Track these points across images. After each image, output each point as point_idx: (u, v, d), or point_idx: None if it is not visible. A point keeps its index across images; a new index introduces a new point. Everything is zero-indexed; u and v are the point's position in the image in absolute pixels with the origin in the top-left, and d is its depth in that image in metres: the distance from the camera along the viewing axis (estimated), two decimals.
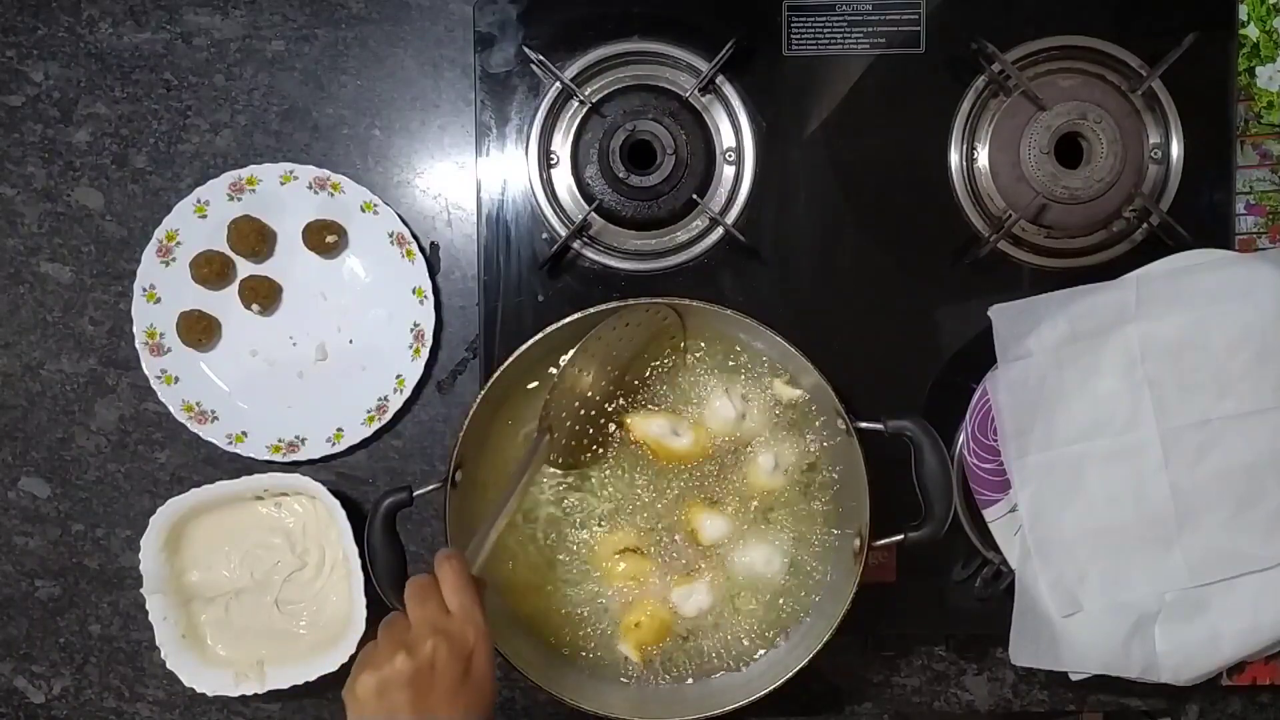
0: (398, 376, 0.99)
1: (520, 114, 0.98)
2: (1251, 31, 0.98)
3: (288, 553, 1.00)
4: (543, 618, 0.91)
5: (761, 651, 0.91)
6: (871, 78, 0.97)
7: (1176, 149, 0.96)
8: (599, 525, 0.91)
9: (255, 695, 0.98)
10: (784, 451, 0.90)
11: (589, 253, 0.97)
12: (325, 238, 0.98)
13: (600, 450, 0.91)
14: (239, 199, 0.99)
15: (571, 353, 0.86)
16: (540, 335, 0.86)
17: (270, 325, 1.01)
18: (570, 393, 0.87)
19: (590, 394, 0.89)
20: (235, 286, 1.00)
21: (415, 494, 0.85)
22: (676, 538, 0.90)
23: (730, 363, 0.91)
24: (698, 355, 0.91)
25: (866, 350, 0.97)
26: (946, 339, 0.97)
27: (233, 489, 0.98)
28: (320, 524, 1.00)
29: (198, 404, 1.00)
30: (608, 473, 0.91)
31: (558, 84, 0.95)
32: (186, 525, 0.99)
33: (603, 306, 0.86)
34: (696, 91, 0.95)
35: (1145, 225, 0.96)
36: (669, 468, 0.90)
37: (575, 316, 0.86)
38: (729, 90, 0.96)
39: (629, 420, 0.90)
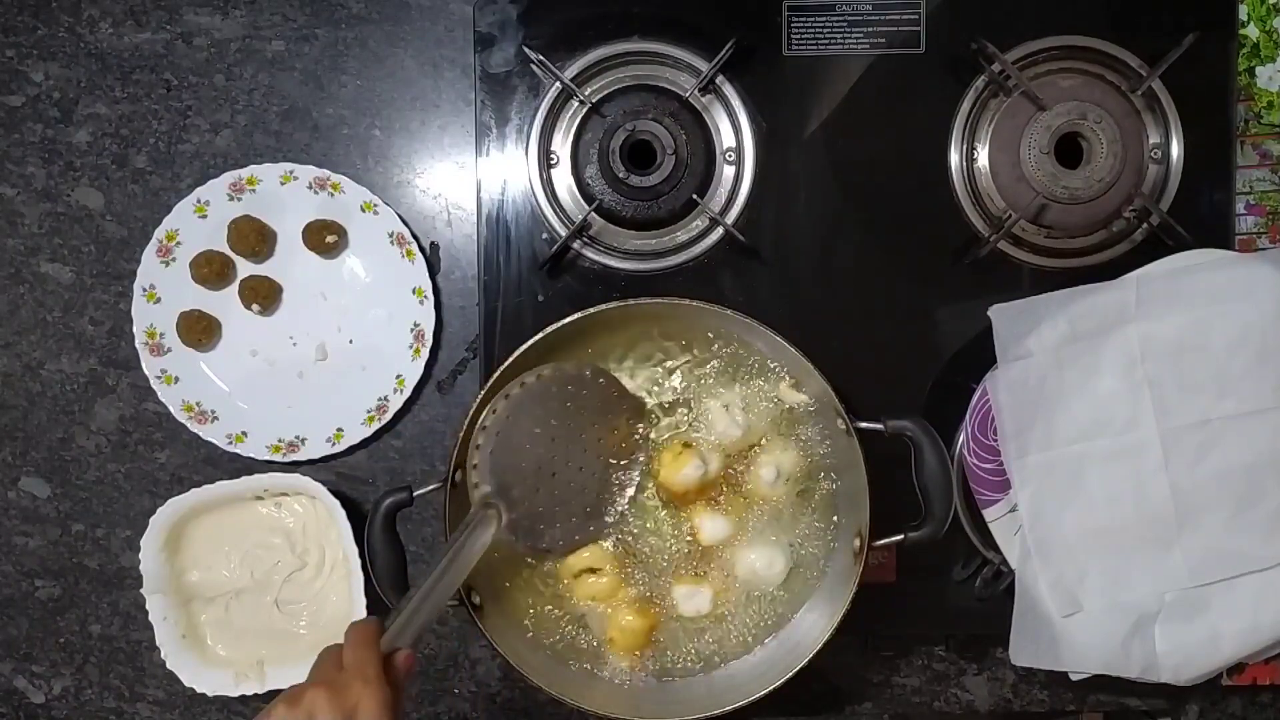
0: (398, 376, 0.99)
1: (520, 114, 0.98)
2: (1251, 31, 0.98)
3: (288, 553, 1.00)
4: (539, 627, 0.91)
5: (761, 651, 0.91)
6: (871, 78, 0.97)
7: (1176, 149, 0.96)
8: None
9: (255, 695, 0.98)
10: (784, 451, 0.90)
11: (589, 253, 0.97)
12: (325, 238, 0.98)
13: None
14: (239, 199, 0.99)
15: (488, 409, 0.83)
16: (540, 335, 0.85)
17: (270, 325, 1.01)
18: (517, 468, 0.84)
19: (543, 467, 0.85)
20: (235, 286, 1.00)
21: (415, 494, 0.85)
22: (668, 536, 0.90)
23: (729, 366, 0.91)
24: (695, 360, 0.91)
25: (866, 350, 0.97)
26: (946, 339, 0.97)
27: (233, 489, 0.98)
28: (320, 524, 1.00)
29: (198, 404, 1.00)
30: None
31: (558, 84, 0.95)
32: (186, 525, 0.99)
33: (603, 306, 0.86)
34: (696, 91, 0.95)
35: (1145, 225, 0.96)
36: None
37: (575, 316, 0.86)
38: (729, 90, 0.96)
39: (661, 479, 0.89)
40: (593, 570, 0.89)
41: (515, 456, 0.85)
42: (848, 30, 0.97)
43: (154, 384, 0.99)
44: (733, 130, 0.97)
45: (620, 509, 0.89)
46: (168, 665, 0.98)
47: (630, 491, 0.89)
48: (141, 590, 0.98)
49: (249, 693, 0.98)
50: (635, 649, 0.90)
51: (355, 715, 0.67)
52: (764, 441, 0.90)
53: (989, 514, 0.94)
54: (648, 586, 0.90)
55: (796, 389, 0.89)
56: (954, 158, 0.97)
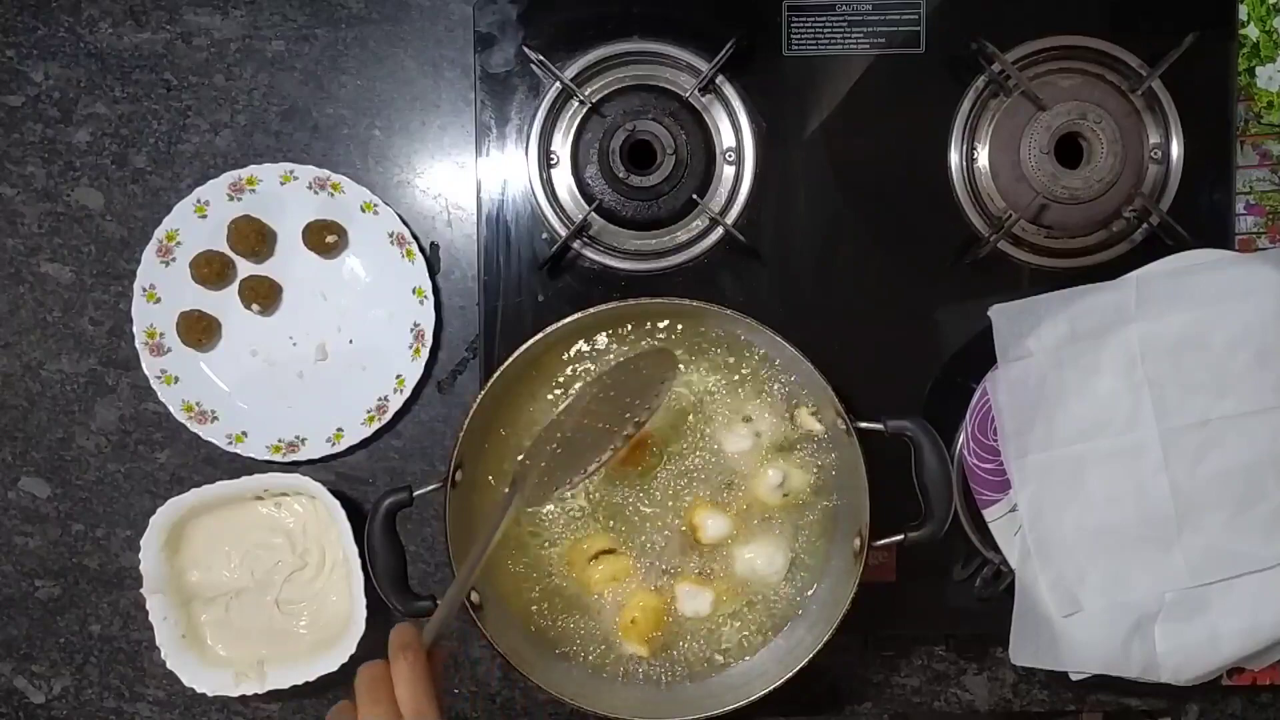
0: (398, 376, 0.99)
1: (520, 114, 0.98)
2: (1251, 31, 0.98)
3: (288, 553, 1.00)
4: (539, 624, 0.91)
5: (761, 651, 0.91)
6: (871, 78, 0.97)
7: (1176, 149, 0.96)
8: (565, 537, 0.91)
9: (255, 695, 0.98)
10: (797, 468, 0.90)
11: (589, 253, 0.97)
12: (325, 238, 0.98)
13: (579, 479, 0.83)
14: (239, 199, 0.99)
15: (567, 404, 0.85)
16: (540, 335, 0.85)
17: (270, 325, 1.01)
18: (550, 435, 0.83)
19: (570, 431, 0.83)
20: (235, 286, 1.00)
21: (415, 494, 0.85)
22: (666, 533, 0.90)
23: (733, 372, 0.91)
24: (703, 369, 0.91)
25: (866, 350, 0.97)
26: (946, 339, 0.97)
27: (233, 489, 0.98)
28: (320, 524, 1.00)
29: (198, 404, 1.00)
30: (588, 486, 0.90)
31: (558, 84, 0.95)
32: (186, 525, 0.99)
33: (603, 306, 0.86)
34: (696, 91, 0.95)
35: (1145, 225, 0.96)
36: (655, 473, 0.91)
37: (575, 316, 0.86)
38: (729, 90, 0.96)
39: (695, 520, 0.90)
40: (610, 551, 0.89)
41: (550, 430, 0.84)
42: (848, 30, 0.97)
43: (154, 384, 0.99)
44: (733, 130, 0.97)
45: (601, 461, 0.81)
46: (168, 665, 0.98)
47: (616, 445, 0.81)
48: (141, 590, 0.98)
49: (249, 693, 0.98)
50: (654, 630, 0.89)
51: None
52: (766, 454, 0.90)
53: (989, 514, 0.94)
54: (653, 578, 0.90)
55: (816, 418, 0.89)
56: (954, 158, 0.97)
